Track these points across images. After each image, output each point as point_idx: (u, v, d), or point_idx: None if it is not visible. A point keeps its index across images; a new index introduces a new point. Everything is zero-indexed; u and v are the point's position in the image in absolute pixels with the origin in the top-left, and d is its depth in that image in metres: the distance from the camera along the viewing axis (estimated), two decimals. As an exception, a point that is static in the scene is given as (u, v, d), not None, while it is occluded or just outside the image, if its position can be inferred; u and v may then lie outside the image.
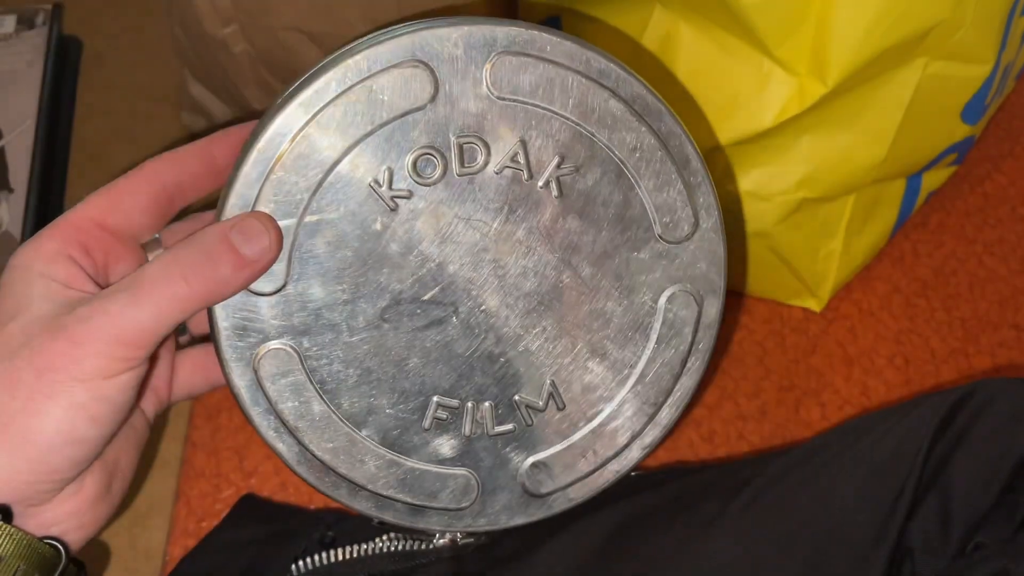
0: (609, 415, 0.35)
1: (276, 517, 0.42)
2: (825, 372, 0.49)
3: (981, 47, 0.42)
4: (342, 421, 0.34)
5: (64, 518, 0.31)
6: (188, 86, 0.51)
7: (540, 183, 0.33)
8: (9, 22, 0.56)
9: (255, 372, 0.33)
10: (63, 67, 0.55)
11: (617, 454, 0.36)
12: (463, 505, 0.35)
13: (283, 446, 0.34)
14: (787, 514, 0.31)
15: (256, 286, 0.32)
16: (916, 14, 0.39)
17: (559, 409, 0.35)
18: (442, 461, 0.35)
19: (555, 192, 0.33)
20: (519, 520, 0.35)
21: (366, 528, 0.39)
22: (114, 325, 0.29)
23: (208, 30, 0.44)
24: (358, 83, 0.31)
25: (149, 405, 0.36)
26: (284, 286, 0.32)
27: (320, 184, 0.32)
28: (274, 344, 0.33)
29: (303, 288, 0.33)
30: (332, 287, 0.33)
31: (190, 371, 0.37)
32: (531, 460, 0.35)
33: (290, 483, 0.46)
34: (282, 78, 0.45)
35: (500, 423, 0.35)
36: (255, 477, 0.46)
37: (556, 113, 0.33)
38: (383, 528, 0.39)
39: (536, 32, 0.32)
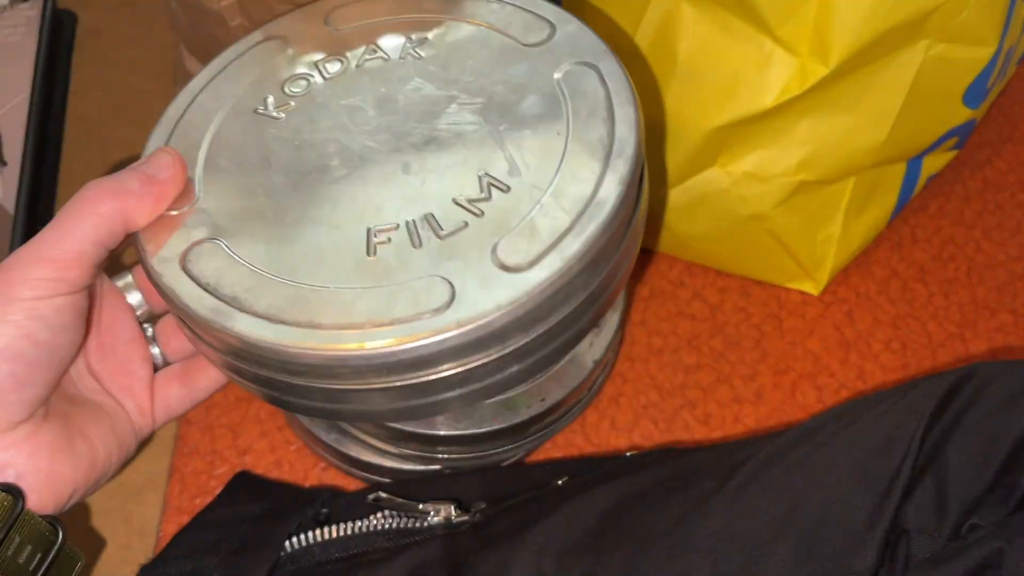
0: (561, 174, 0.33)
1: (270, 494, 0.41)
2: (822, 356, 0.49)
3: (984, 29, 0.42)
4: (285, 281, 0.32)
5: (19, 459, 0.31)
6: (184, 61, 0.50)
7: (398, 57, 0.38)
8: (4, -5, 0.55)
9: (182, 266, 0.33)
10: (58, 41, 0.55)
11: (588, 204, 0.32)
12: (441, 304, 0.30)
13: (232, 323, 0.31)
14: (782, 494, 0.31)
15: (174, 207, 0.34)
16: (919, -6, 0.38)
17: (505, 192, 0.33)
18: (402, 275, 0.31)
19: (415, 56, 0.38)
20: (510, 294, 0.30)
21: (360, 505, 0.39)
22: (41, 249, 0.32)
23: (205, 3, 0.43)
24: (231, 62, 0.39)
25: (131, 411, 0.37)
26: (196, 201, 0.35)
27: (214, 131, 0.37)
28: (197, 243, 0.33)
29: (215, 196, 0.35)
30: (241, 186, 0.35)
31: (166, 385, 0.38)
32: (499, 241, 0.32)
33: (284, 461, 0.45)
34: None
35: (449, 224, 0.33)
36: (249, 455, 0.46)
37: (390, 17, 0.39)
38: (377, 506, 0.38)
39: None
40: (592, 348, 0.41)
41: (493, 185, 0.34)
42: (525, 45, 0.37)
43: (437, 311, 0.30)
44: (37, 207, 0.49)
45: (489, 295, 0.30)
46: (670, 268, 0.51)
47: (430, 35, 0.39)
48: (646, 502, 0.34)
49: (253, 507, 0.40)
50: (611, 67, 0.36)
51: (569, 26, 0.38)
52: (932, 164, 0.50)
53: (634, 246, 0.35)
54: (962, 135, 0.48)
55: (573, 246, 0.31)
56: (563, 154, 0.34)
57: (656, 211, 0.48)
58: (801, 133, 0.43)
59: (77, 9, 0.57)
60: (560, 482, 0.39)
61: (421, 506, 0.38)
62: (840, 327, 0.50)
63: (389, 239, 0.33)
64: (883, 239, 0.52)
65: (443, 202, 0.33)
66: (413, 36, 0.39)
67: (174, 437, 0.46)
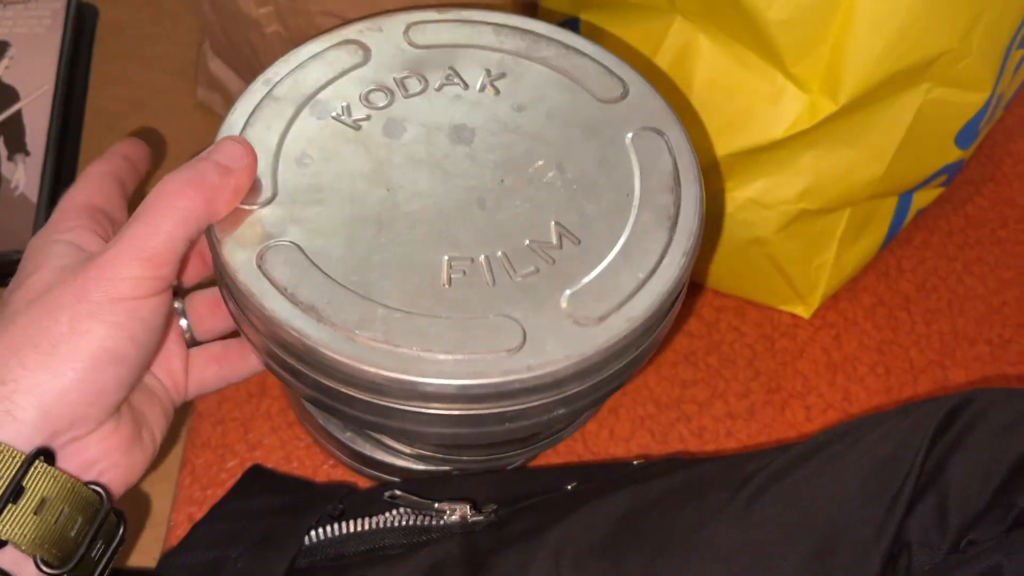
0: (630, 236, 0.35)
1: (286, 488, 0.42)
2: (810, 376, 0.51)
3: (981, 76, 0.44)
4: (362, 297, 0.33)
5: (103, 456, 0.32)
6: (207, 62, 0.51)
7: (477, 88, 0.39)
8: (26, -15, 0.55)
9: (259, 265, 0.33)
10: (80, 34, 0.55)
11: (652, 272, 0.34)
12: (513, 346, 0.32)
13: (311, 333, 0.32)
14: (793, 506, 0.33)
15: (247, 202, 0.35)
16: (927, 41, 0.41)
17: (576, 244, 0.35)
18: (476, 309, 0.33)
19: (493, 93, 0.39)
20: (578, 348, 0.32)
21: (376, 502, 0.40)
22: (136, 247, 0.32)
23: (243, 9, 0.44)
24: (310, 59, 0.39)
25: (169, 388, 0.37)
26: (274, 196, 0.35)
27: (291, 126, 0.37)
28: (274, 242, 0.34)
29: (290, 195, 0.35)
30: (316, 188, 0.35)
31: (203, 365, 0.39)
32: (569, 292, 0.34)
33: (294, 456, 0.47)
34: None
35: (522, 267, 0.34)
36: (259, 449, 0.47)
37: (471, 46, 0.40)
38: (393, 503, 0.40)
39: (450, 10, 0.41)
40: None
41: (565, 236, 0.35)
42: (600, 101, 0.39)
43: (510, 352, 0.32)
44: (59, 196, 0.49)
45: (558, 345, 0.32)
46: (669, 286, 0.53)
47: (508, 71, 0.39)
48: (661, 510, 0.35)
49: (270, 500, 0.41)
50: (678, 137, 0.38)
51: (640, 87, 0.40)
52: (921, 199, 0.52)
53: (680, 307, 0.37)
54: (951, 173, 0.51)
55: (637, 310, 0.33)
56: (632, 218, 0.36)
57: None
58: (805, 164, 0.45)
59: (98, 3, 0.58)
60: (569, 487, 0.40)
61: (437, 505, 0.39)
62: (828, 350, 0.52)
63: (464, 272, 0.34)
64: (871, 268, 0.54)
65: (517, 244, 0.35)
66: (492, 70, 0.39)
67: (186, 429, 0.47)
